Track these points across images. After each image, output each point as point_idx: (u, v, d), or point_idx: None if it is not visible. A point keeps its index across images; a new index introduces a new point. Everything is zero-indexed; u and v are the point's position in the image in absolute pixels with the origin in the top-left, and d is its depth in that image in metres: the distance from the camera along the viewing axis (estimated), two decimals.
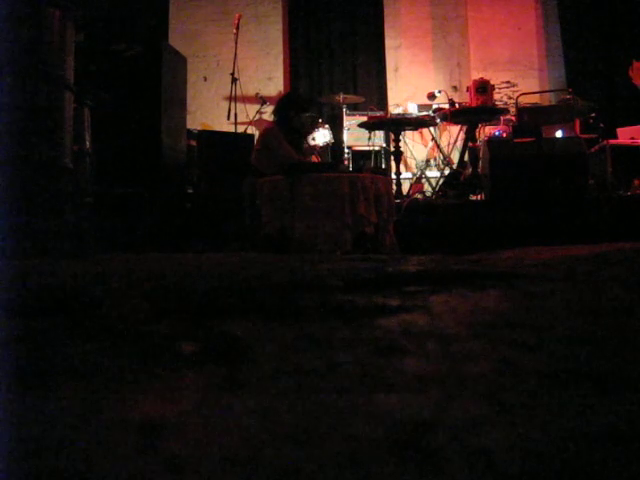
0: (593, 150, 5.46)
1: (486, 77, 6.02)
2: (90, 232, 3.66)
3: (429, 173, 6.75)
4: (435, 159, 6.96)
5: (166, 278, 1.69)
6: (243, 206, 4.22)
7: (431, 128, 6.75)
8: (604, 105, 6.61)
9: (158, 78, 4.93)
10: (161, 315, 1.06)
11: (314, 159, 5.20)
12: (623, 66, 6.05)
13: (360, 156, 7.09)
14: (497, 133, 6.28)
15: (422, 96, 7.11)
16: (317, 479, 0.43)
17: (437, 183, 6.26)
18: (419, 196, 6.08)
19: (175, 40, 7.54)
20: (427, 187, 6.47)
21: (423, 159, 7.06)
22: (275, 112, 4.34)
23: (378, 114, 6.80)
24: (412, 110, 7.14)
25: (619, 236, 3.61)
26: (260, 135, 4.63)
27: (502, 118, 6.37)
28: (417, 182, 6.60)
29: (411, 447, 0.47)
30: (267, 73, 8.28)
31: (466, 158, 6.04)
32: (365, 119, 6.41)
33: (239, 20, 6.59)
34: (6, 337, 0.90)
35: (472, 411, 0.55)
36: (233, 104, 6.32)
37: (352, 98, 7.37)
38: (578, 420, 0.53)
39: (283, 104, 4.33)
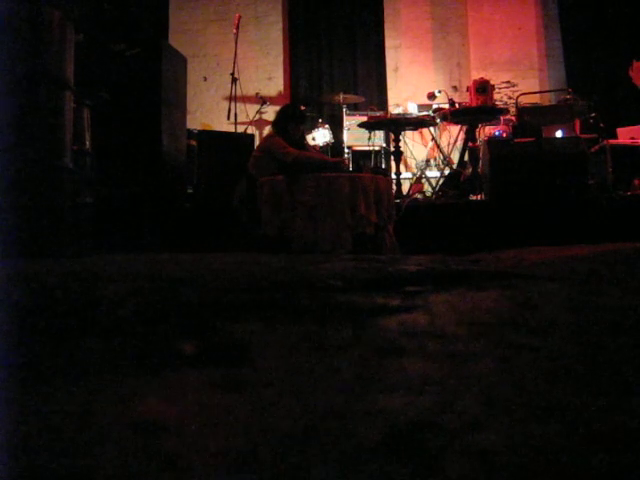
0: (593, 150, 5.45)
1: (486, 77, 6.02)
2: (90, 232, 3.65)
3: (429, 173, 6.75)
4: (435, 159, 6.96)
5: (166, 278, 1.69)
6: (239, 208, 4.23)
7: (431, 128, 6.74)
8: (604, 105, 6.60)
9: (158, 78, 4.92)
10: (161, 315, 1.06)
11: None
12: (623, 66, 6.04)
13: (360, 156, 7.08)
14: (497, 133, 6.27)
15: (422, 96, 7.10)
16: (317, 479, 0.43)
17: (437, 183, 6.25)
18: (419, 196, 6.08)
19: (175, 40, 7.54)
20: (427, 187, 6.46)
21: (423, 159, 7.05)
22: (274, 125, 4.40)
23: (378, 114, 6.79)
24: (412, 110, 7.13)
25: (619, 236, 3.61)
26: (262, 142, 4.66)
27: (502, 118, 6.36)
28: (417, 182, 6.60)
29: (411, 447, 0.47)
30: (267, 73, 8.27)
31: (466, 158, 6.04)
32: (365, 119, 6.40)
33: (239, 20, 6.59)
34: (6, 336, 0.90)
35: (472, 411, 0.55)
36: (233, 104, 6.32)
37: (352, 98, 7.36)
38: (578, 420, 0.53)
39: (281, 117, 4.38)
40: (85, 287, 1.47)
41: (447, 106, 6.20)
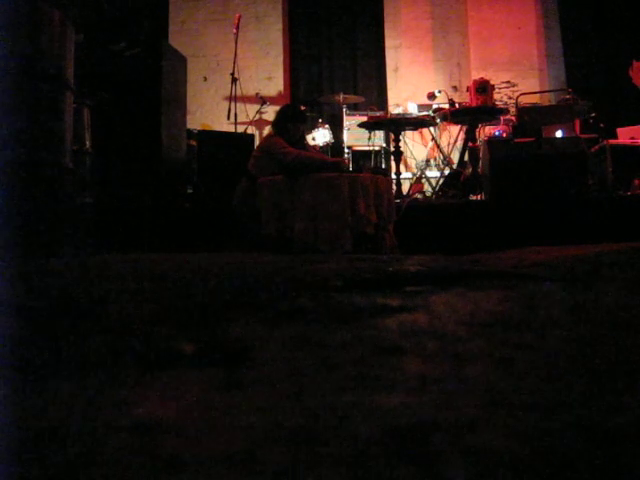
0: (593, 150, 5.45)
1: (486, 77, 6.01)
2: (90, 232, 3.65)
3: (429, 173, 6.75)
4: (435, 159, 6.96)
5: (166, 278, 1.69)
6: (239, 208, 4.23)
7: (431, 128, 6.74)
8: (604, 105, 6.60)
9: (158, 78, 4.92)
10: (161, 315, 1.06)
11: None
12: (623, 66, 6.04)
13: (360, 156, 7.08)
14: (497, 133, 6.27)
15: (422, 96, 7.10)
16: (317, 479, 0.43)
17: (437, 183, 6.25)
18: (419, 196, 6.08)
19: (175, 40, 7.53)
20: (427, 187, 6.47)
21: (423, 159, 7.05)
22: (274, 124, 4.40)
23: (378, 114, 6.80)
24: (412, 110, 7.13)
25: (619, 236, 3.61)
26: (261, 142, 4.67)
27: (502, 118, 6.36)
28: (417, 182, 6.60)
29: (411, 447, 0.47)
30: (267, 73, 8.27)
31: (466, 158, 6.04)
32: (365, 119, 6.40)
33: (239, 20, 6.59)
34: (6, 337, 0.90)
35: (472, 411, 0.55)
36: (233, 104, 6.32)
37: (352, 98, 7.36)
38: (578, 420, 0.53)
39: (280, 117, 4.37)
40: (85, 287, 1.47)
41: (447, 106, 6.20)
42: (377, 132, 6.80)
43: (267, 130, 6.98)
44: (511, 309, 1.12)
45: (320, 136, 6.89)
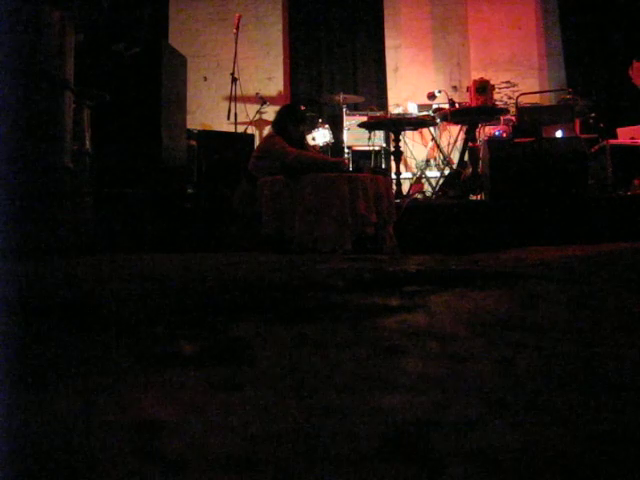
0: (593, 150, 5.46)
1: (486, 77, 6.01)
2: (90, 232, 3.65)
3: (429, 173, 6.75)
4: (435, 159, 6.96)
5: (166, 278, 1.69)
6: (239, 208, 4.23)
7: (431, 128, 6.75)
8: (604, 105, 6.60)
9: (158, 78, 4.92)
10: (161, 315, 1.06)
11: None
12: (623, 66, 6.04)
13: (360, 156, 7.08)
14: (497, 133, 6.27)
15: (422, 96, 7.10)
16: (317, 479, 0.43)
17: (437, 183, 6.26)
18: (419, 196, 6.08)
19: (175, 40, 7.54)
20: (427, 187, 6.47)
21: (423, 159, 7.06)
22: (274, 124, 4.40)
23: (378, 114, 6.80)
24: (412, 110, 7.13)
25: (619, 236, 3.61)
26: (261, 142, 4.67)
27: (502, 118, 6.36)
28: (417, 182, 6.60)
29: (412, 447, 0.47)
30: (267, 73, 8.28)
31: (466, 158, 6.04)
32: (365, 119, 6.40)
33: (239, 20, 6.59)
34: (6, 337, 0.90)
35: (472, 411, 0.55)
36: (233, 104, 6.32)
37: (352, 98, 7.37)
38: (578, 420, 0.53)
39: (281, 116, 4.37)
40: (85, 287, 1.47)
41: (447, 106, 6.20)
42: (377, 132, 6.81)
43: (267, 130, 6.98)
44: (511, 309, 1.12)
45: (320, 136, 6.89)
